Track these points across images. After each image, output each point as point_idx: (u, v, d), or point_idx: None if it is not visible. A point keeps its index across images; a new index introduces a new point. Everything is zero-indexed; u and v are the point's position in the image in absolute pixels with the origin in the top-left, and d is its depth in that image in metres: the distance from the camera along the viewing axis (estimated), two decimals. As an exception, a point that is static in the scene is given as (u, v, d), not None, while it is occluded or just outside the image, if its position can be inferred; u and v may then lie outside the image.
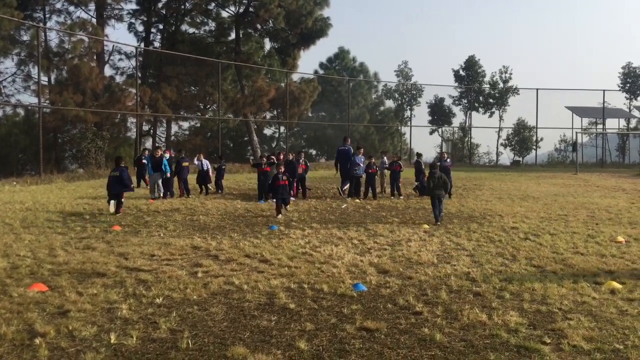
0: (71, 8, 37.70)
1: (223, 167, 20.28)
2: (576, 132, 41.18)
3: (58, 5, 37.58)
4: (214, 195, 18.57)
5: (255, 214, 13.91)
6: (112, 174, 13.71)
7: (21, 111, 36.96)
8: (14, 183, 21.56)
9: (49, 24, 36.84)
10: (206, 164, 18.99)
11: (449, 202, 16.60)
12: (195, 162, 19.11)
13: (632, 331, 5.20)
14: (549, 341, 4.95)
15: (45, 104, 30.53)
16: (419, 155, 20.96)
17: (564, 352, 4.70)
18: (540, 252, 8.99)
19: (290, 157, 18.27)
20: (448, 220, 12.81)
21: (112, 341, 4.90)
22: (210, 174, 19.46)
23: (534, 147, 47.76)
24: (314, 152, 59.94)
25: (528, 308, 5.93)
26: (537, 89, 45.48)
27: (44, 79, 32.43)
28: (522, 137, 47.99)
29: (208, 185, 19.07)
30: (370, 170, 17.90)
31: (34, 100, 31.31)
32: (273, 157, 19.41)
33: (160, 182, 17.34)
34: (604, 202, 16.97)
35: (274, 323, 5.44)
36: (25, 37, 34.04)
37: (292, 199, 16.56)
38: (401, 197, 17.99)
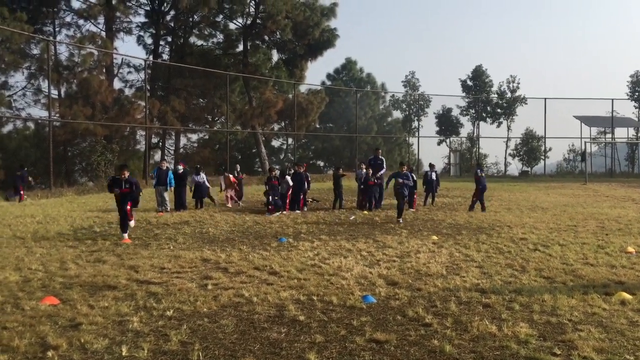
0: (81, 21, 38.27)
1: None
2: (585, 142, 41.10)
3: (68, 19, 38.18)
4: (218, 208, 18.62)
5: (264, 226, 13.96)
6: (121, 191, 11.87)
7: (31, 125, 37.33)
8: (25, 197, 21.73)
9: (58, 38, 37.38)
10: (204, 177, 18.70)
11: (458, 213, 16.59)
12: (194, 176, 18.81)
13: (643, 343, 5.18)
14: (559, 352, 4.93)
15: (55, 117, 30.82)
16: (431, 166, 20.70)
17: (574, 364, 4.69)
18: (550, 263, 8.97)
19: (301, 169, 18.35)
20: (457, 232, 12.80)
21: (123, 354, 4.93)
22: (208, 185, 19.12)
23: (543, 157, 47.67)
24: (322, 163, 60.01)
25: (538, 319, 5.92)
26: (545, 99, 45.48)
27: (54, 93, 32.83)
28: (530, 147, 47.93)
29: (204, 199, 18.79)
30: (369, 182, 17.91)
31: (44, 113, 31.77)
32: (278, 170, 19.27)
33: (165, 194, 17.39)
34: (614, 212, 16.89)
35: (284, 335, 5.46)
36: (36, 51, 34.54)
37: (285, 212, 16.71)
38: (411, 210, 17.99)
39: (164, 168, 17.59)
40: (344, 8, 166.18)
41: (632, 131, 50.38)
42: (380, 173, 18.21)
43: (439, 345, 5.12)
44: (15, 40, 30.32)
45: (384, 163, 18.90)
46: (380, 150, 19.71)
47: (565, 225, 13.88)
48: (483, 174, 18.22)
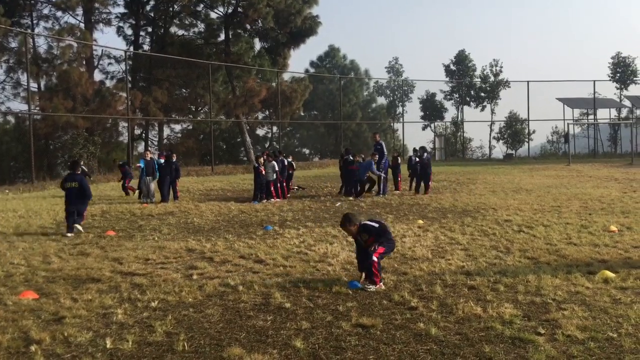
0: (59, 13, 37.69)
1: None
2: (568, 124, 41.42)
3: (45, 11, 37.59)
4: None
5: (250, 214, 13.91)
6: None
7: (11, 119, 36.95)
8: (6, 191, 21.48)
9: (37, 30, 36.83)
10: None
11: (443, 197, 16.66)
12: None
13: (625, 319, 5.24)
14: (543, 332, 4.97)
15: (35, 111, 30.45)
16: (415, 151, 20.42)
17: (558, 342, 4.72)
18: (534, 244, 9.03)
19: (281, 157, 18.36)
20: (442, 215, 12.85)
21: (108, 346, 4.89)
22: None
23: (527, 139, 48.01)
24: (307, 151, 59.95)
25: (522, 300, 5.96)
26: (527, 82, 45.73)
27: (33, 86, 32.38)
28: (514, 130, 48.27)
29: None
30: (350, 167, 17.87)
31: (24, 107, 31.27)
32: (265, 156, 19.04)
33: (152, 185, 17.22)
34: (597, 192, 17.07)
35: (270, 323, 5.45)
36: (14, 44, 34.04)
37: (272, 200, 16.67)
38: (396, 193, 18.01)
39: (148, 158, 17.42)
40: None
41: (614, 112, 50.94)
42: (383, 161, 17.92)
43: (424, 328, 5.14)
44: (-8, 33, 29.81)
45: (384, 148, 18.37)
46: (378, 135, 19.48)
47: (549, 206, 13.99)
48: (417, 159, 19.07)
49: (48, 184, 24.06)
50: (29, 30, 35.02)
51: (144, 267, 8.01)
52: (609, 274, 6.81)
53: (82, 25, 37.34)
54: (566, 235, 9.77)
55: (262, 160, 17.45)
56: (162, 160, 17.85)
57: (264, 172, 16.90)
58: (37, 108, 31.65)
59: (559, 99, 46.46)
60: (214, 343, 4.94)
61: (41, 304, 6.21)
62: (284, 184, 18.05)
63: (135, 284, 7.00)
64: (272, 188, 17.11)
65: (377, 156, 17.81)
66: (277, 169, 17.27)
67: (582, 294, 6.13)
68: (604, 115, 50.69)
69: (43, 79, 34.81)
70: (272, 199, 16.88)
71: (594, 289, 6.32)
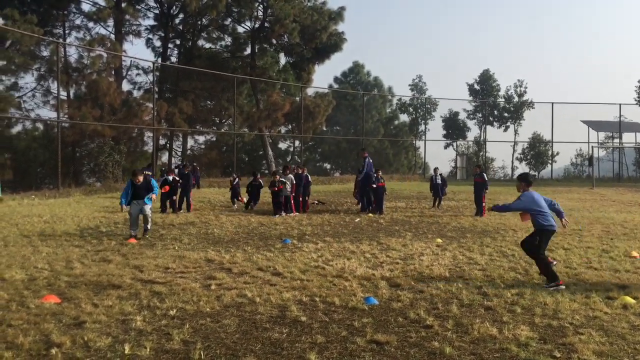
0: (90, 24, 38.62)
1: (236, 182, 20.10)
2: (592, 146, 40.87)
3: (77, 22, 38.57)
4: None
5: (269, 227, 14.01)
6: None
7: (40, 126, 37.68)
8: (33, 197, 21.92)
9: (68, 40, 37.74)
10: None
11: (463, 217, 16.57)
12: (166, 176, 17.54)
13: (643, 346, 5.18)
14: (559, 355, 4.94)
15: (64, 119, 31.06)
16: (436, 170, 20.80)
17: (574, 367, 4.70)
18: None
19: (300, 171, 18.42)
20: (461, 235, 12.80)
21: (126, 352, 4.99)
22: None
23: (550, 161, 47.48)
24: (328, 166, 60.06)
25: (539, 322, 5.92)
26: (552, 103, 45.32)
27: (63, 94, 33.09)
28: (537, 152, 47.76)
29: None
30: (378, 184, 17.86)
31: (53, 114, 32.02)
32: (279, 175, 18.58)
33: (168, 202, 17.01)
34: (620, 217, 16.83)
35: (285, 335, 5.50)
36: (45, 53, 34.91)
37: (291, 214, 16.64)
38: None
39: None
40: (352, 12, 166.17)
41: (640, 136, 50.12)
42: (365, 175, 17.97)
43: (439, 347, 5.14)
44: (26, 42, 30.62)
45: (365, 164, 18.11)
46: (364, 152, 19.30)
47: (570, 229, 13.83)
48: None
49: (73, 191, 24.47)
50: (61, 40, 35.90)
51: (164, 276, 8.14)
52: (629, 299, 6.74)
53: (112, 36, 38.20)
54: (586, 259, 9.67)
55: (277, 178, 17.00)
56: (170, 177, 17.24)
57: (279, 189, 16.70)
58: (66, 116, 32.30)
59: (584, 122, 45.95)
60: (230, 353, 5.01)
61: (63, 308, 6.35)
62: (303, 198, 18.11)
63: (154, 292, 7.12)
64: (292, 202, 17.17)
65: (380, 171, 18.18)
66: (294, 182, 17.33)
67: (600, 318, 6.08)
68: (630, 139, 49.95)
69: (72, 87, 35.58)
70: (292, 213, 16.93)
71: (613, 314, 6.25)
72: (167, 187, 16.78)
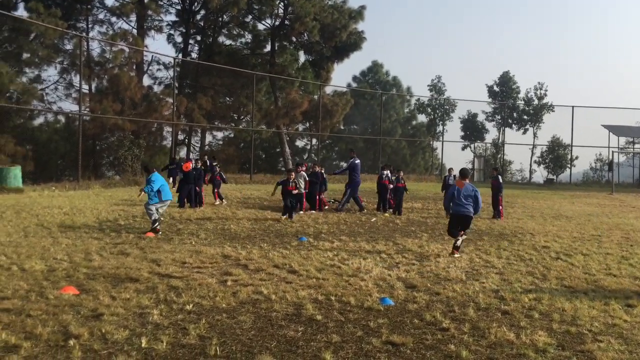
0: (113, 19, 38.87)
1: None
2: (612, 151, 40.33)
3: (101, 16, 38.83)
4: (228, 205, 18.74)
5: (285, 224, 14.03)
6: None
7: (62, 118, 38.12)
8: (53, 188, 22.19)
9: (91, 34, 38.02)
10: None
11: (479, 220, 16.46)
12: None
13: (663, 356, 5.11)
14: (577, 363, 4.89)
15: (85, 112, 31.40)
16: (450, 170, 20.73)
17: (592, 375, 4.65)
18: (572, 273, 8.86)
19: (317, 169, 18.30)
20: (478, 237, 12.71)
21: (143, 345, 5.03)
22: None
23: (569, 165, 46.93)
24: (345, 164, 59.92)
25: (557, 328, 5.87)
26: (572, 107, 44.73)
27: (85, 87, 33.41)
28: (556, 155, 47.23)
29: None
30: (398, 185, 17.81)
31: (75, 107, 32.27)
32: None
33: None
34: (641, 223, 16.59)
35: (301, 334, 5.51)
36: (69, 47, 35.27)
37: (300, 212, 16.33)
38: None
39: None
40: (372, 11, 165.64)
41: (662, 142, 49.33)
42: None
43: (455, 350, 5.12)
44: (49, 35, 30.95)
45: (352, 164, 18.15)
46: (353, 152, 19.50)
47: (589, 234, 13.68)
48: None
49: (93, 183, 24.75)
50: (84, 34, 36.24)
51: (181, 270, 8.19)
52: (649, 308, 6.64)
53: (134, 31, 38.45)
54: (605, 266, 9.55)
55: (292, 176, 16.08)
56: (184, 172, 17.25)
57: (295, 188, 15.89)
58: (87, 109, 32.64)
59: (605, 126, 45.32)
60: (245, 350, 5.03)
61: (81, 300, 6.43)
62: (319, 195, 18.04)
63: (171, 286, 7.17)
64: (303, 199, 16.75)
65: (401, 172, 18.23)
66: (307, 179, 16.96)
67: (620, 326, 6.00)
68: (652, 144, 49.20)
69: (94, 81, 35.93)
70: (308, 211, 16.84)
71: (632, 322, 6.17)
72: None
